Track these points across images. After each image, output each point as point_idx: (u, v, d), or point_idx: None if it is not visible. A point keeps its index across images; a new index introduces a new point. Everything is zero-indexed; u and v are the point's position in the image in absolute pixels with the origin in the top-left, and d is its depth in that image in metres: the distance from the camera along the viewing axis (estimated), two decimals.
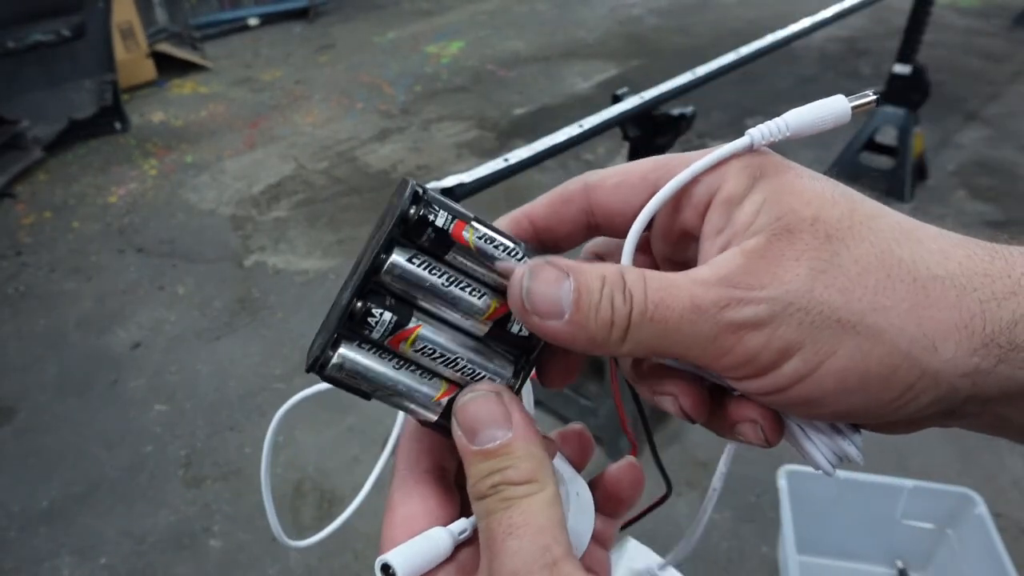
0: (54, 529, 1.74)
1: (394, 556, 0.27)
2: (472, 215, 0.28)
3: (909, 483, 1.42)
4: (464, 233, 0.27)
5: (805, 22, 1.78)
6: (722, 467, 0.37)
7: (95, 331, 2.39)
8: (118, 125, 3.81)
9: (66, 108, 3.59)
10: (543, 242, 0.31)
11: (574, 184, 0.31)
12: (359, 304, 0.27)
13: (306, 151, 3.58)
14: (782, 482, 1.41)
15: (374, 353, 0.27)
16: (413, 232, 0.27)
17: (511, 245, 0.28)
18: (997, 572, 1.26)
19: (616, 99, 1.39)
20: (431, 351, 0.28)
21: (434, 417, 0.29)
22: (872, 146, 3.02)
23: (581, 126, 1.23)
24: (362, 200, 3.14)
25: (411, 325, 0.27)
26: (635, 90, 1.40)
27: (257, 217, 3.03)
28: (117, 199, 3.20)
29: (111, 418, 2.05)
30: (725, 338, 0.25)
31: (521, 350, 0.30)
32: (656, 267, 0.32)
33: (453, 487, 0.31)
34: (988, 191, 3.05)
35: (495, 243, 0.28)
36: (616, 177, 0.30)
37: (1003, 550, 1.27)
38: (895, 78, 2.86)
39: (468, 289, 0.28)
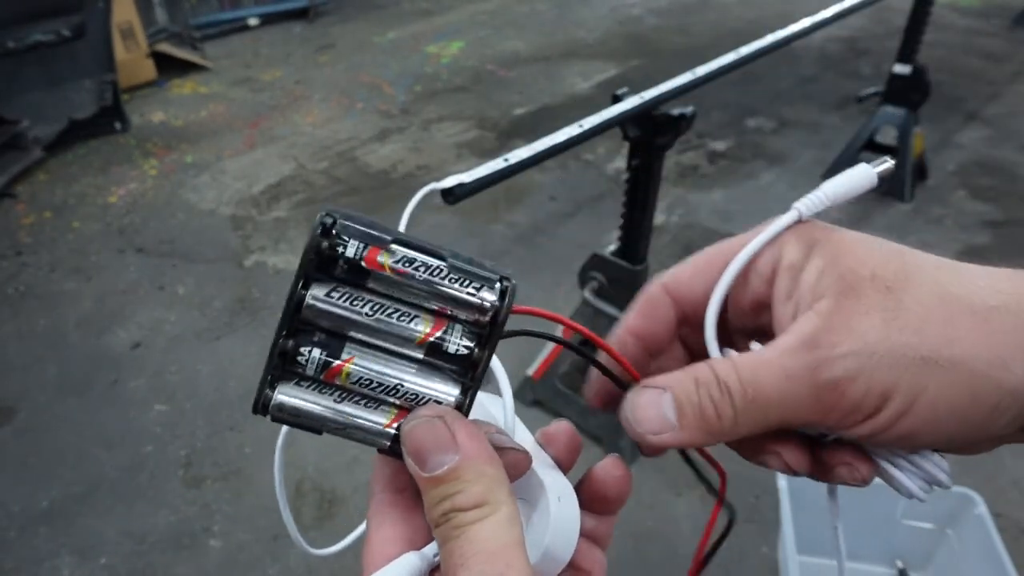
0: (54, 529, 1.74)
1: None
2: (391, 237, 0.27)
3: None
4: (379, 258, 0.26)
5: (805, 22, 1.78)
6: (834, 510, 0.40)
7: (95, 331, 2.39)
8: (118, 125, 3.81)
9: (66, 108, 3.59)
10: (649, 349, 0.34)
11: (653, 288, 0.34)
12: (288, 343, 0.27)
13: (306, 151, 3.58)
14: (782, 482, 1.41)
15: (314, 389, 0.27)
16: (327, 265, 0.26)
17: (434, 264, 0.27)
18: (997, 572, 1.26)
19: (616, 99, 1.38)
20: (367, 382, 0.27)
21: (387, 443, 0.28)
22: (872, 146, 3.02)
23: (581, 126, 1.23)
24: (362, 200, 3.14)
25: (343, 358, 0.27)
26: (635, 90, 1.40)
27: (257, 217, 3.03)
28: (117, 199, 3.20)
29: (111, 418, 2.05)
30: (826, 396, 0.28)
31: (466, 367, 0.28)
32: (733, 340, 0.34)
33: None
34: (988, 191, 3.05)
35: (415, 263, 0.27)
36: (687, 270, 0.33)
37: (1003, 550, 1.27)
38: (895, 78, 2.86)
39: (396, 315, 0.27)
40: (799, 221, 0.32)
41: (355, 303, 0.27)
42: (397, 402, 0.28)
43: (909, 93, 2.85)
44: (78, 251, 2.83)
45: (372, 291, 0.27)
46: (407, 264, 0.27)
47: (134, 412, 2.07)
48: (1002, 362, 0.27)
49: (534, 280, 2.53)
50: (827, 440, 0.31)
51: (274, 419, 0.27)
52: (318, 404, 0.27)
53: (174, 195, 3.22)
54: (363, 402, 0.28)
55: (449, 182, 0.99)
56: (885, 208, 2.94)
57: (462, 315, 0.28)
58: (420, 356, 0.28)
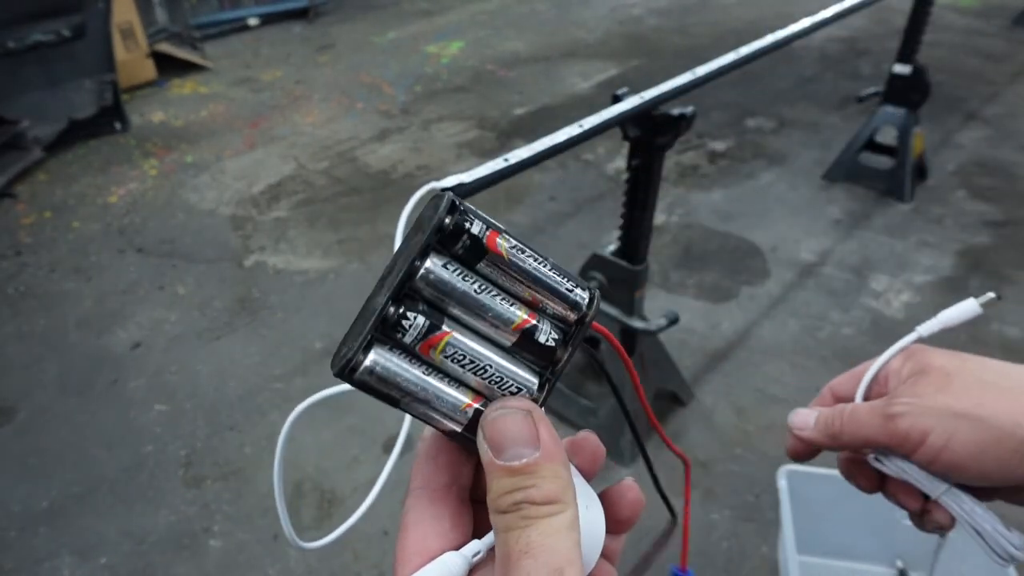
0: (54, 529, 1.75)
1: None
2: (503, 227, 0.29)
3: None
4: (498, 241, 0.28)
5: (805, 22, 1.78)
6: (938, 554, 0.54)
7: (95, 331, 2.39)
8: (118, 125, 3.81)
9: (66, 108, 3.59)
10: (832, 401, 0.53)
11: (826, 388, 0.54)
12: (393, 308, 0.27)
13: (306, 151, 3.58)
14: (782, 482, 1.41)
15: (404, 358, 0.28)
16: (449, 240, 0.27)
17: (540, 256, 0.29)
18: (997, 572, 1.26)
19: (616, 99, 1.38)
20: (460, 357, 0.28)
21: (459, 428, 0.28)
22: (872, 146, 3.02)
23: (581, 126, 1.23)
24: (362, 200, 3.14)
25: (443, 330, 0.28)
26: (635, 90, 1.40)
27: (257, 217, 3.03)
28: (117, 199, 3.20)
29: (111, 418, 2.05)
30: (889, 425, 0.44)
31: (547, 361, 0.29)
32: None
33: (468, 505, 0.32)
34: (988, 191, 3.05)
35: (526, 252, 0.29)
36: (845, 378, 0.52)
37: None
38: (895, 78, 2.86)
39: (498, 298, 0.28)
40: (920, 339, 0.48)
41: (466, 279, 0.28)
42: (479, 384, 0.28)
43: (909, 93, 2.85)
44: (78, 251, 2.83)
45: (480, 273, 0.28)
46: (520, 251, 0.28)
47: (134, 412, 2.07)
48: (1015, 420, 0.40)
49: None
50: (930, 499, 0.46)
51: (356, 382, 0.27)
52: (409, 372, 0.27)
53: (174, 195, 3.22)
54: (446, 380, 0.28)
55: (449, 182, 0.99)
56: (885, 208, 2.94)
57: (552, 309, 0.29)
58: (510, 343, 0.29)
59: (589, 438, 0.34)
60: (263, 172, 3.38)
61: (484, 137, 3.65)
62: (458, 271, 0.28)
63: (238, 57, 4.93)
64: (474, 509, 0.32)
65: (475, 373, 0.28)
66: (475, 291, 0.28)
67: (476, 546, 0.29)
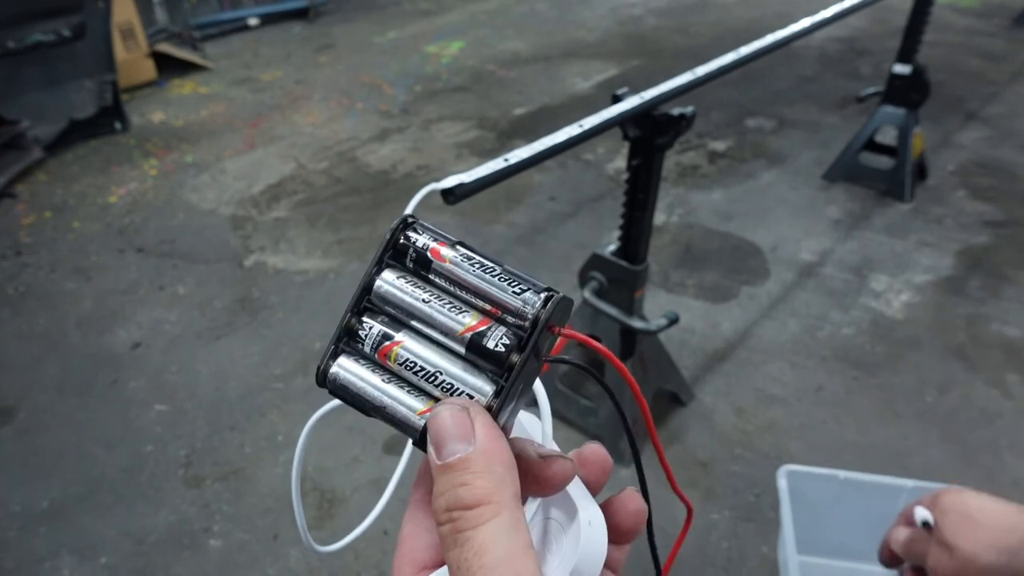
0: (54, 529, 1.75)
1: None
2: (458, 240, 0.30)
3: (909, 483, 1.42)
4: (443, 251, 0.30)
5: (805, 22, 1.78)
6: None
7: (95, 331, 2.39)
8: (118, 125, 3.81)
9: (66, 108, 3.59)
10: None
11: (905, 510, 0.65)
12: (354, 319, 0.29)
13: (306, 151, 3.58)
14: (782, 482, 1.41)
15: (367, 367, 0.29)
16: (400, 254, 0.30)
17: (490, 264, 0.30)
18: None
19: (616, 99, 1.38)
20: (412, 364, 0.29)
21: (417, 433, 0.29)
22: (872, 146, 3.02)
23: (581, 126, 1.23)
24: (362, 200, 3.14)
25: (396, 338, 0.29)
26: (635, 90, 1.40)
27: (257, 217, 3.03)
28: (117, 199, 3.20)
29: (111, 418, 2.05)
30: (935, 552, 0.58)
31: (503, 368, 0.29)
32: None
33: None
34: (988, 191, 3.05)
35: (472, 261, 0.30)
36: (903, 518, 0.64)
37: None
38: (895, 78, 2.86)
39: (448, 306, 0.30)
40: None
41: (416, 289, 0.30)
42: (435, 392, 0.29)
43: (909, 93, 2.85)
44: (78, 251, 2.83)
45: (434, 284, 0.30)
46: (465, 260, 0.30)
47: (134, 412, 2.07)
48: (1009, 547, 0.55)
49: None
50: None
51: (330, 389, 0.30)
52: (367, 381, 0.29)
53: (174, 195, 3.22)
54: (406, 388, 0.29)
55: (449, 182, 0.99)
56: (885, 208, 2.94)
57: (509, 318, 0.29)
58: (463, 351, 0.29)
59: (597, 451, 0.33)
60: (263, 172, 3.38)
61: (484, 137, 3.65)
62: (412, 283, 0.30)
63: (238, 57, 4.93)
64: None
65: (428, 380, 0.29)
66: (422, 301, 0.29)
67: None
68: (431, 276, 0.30)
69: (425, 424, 0.28)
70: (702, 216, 2.94)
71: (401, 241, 0.30)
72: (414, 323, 0.30)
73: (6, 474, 1.90)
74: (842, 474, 1.44)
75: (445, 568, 0.28)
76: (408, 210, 0.45)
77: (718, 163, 3.34)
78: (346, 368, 0.29)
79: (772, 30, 1.69)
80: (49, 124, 3.53)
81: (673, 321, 1.72)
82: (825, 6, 1.93)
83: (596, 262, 1.74)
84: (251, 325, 2.40)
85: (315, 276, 2.63)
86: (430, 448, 0.27)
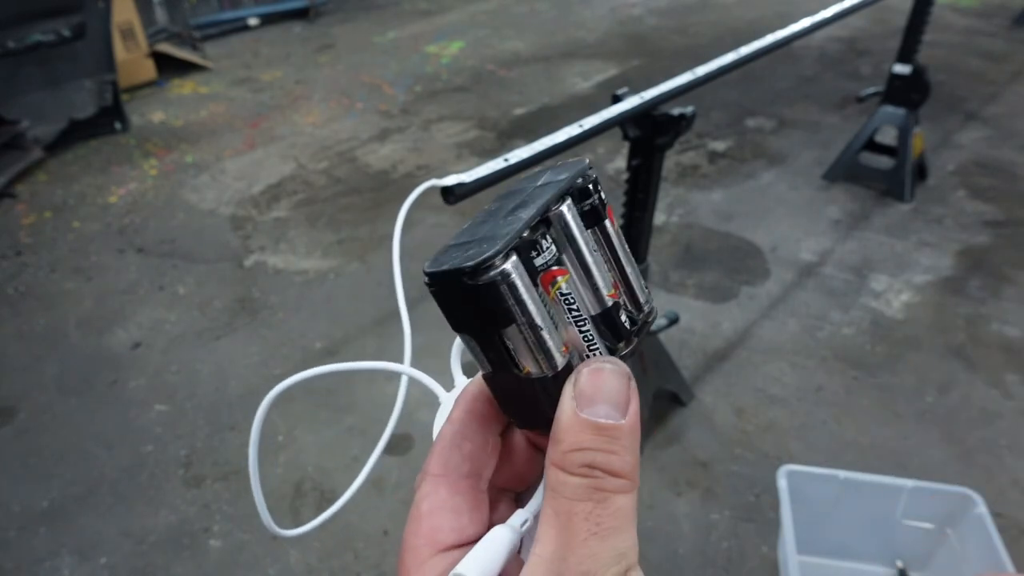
0: (54, 529, 1.74)
1: (469, 565, 0.26)
2: None
3: (909, 483, 1.42)
4: (612, 217, 0.30)
5: (805, 22, 1.78)
6: None
7: (95, 331, 2.39)
8: (118, 125, 3.81)
9: (66, 108, 3.59)
10: None
11: None
12: (529, 232, 0.27)
13: (306, 151, 3.58)
14: (782, 482, 1.41)
15: (530, 281, 0.27)
16: (580, 195, 0.29)
17: (632, 264, 0.31)
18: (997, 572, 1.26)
19: (616, 99, 1.38)
20: (571, 301, 0.27)
21: (549, 372, 0.27)
22: (872, 146, 3.02)
23: (581, 126, 1.23)
24: (362, 200, 3.14)
25: (566, 268, 0.28)
26: (635, 90, 1.40)
27: (257, 217, 3.03)
28: (117, 199, 3.20)
29: (111, 418, 2.05)
30: None
31: (617, 340, 0.29)
32: None
33: (486, 501, 0.30)
34: (988, 191, 3.05)
35: (624, 240, 0.30)
36: None
37: (1003, 550, 1.27)
38: (895, 78, 2.86)
39: (604, 261, 0.29)
40: None
41: (582, 233, 0.29)
42: (572, 337, 0.28)
43: (909, 93, 2.85)
44: (78, 251, 2.83)
45: (593, 237, 0.30)
46: (620, 237, 0.30)
47: (134, 412, 2.07)
48: None
49: None
50: None
51: (474, 289, 0.25)
52: (532, 293, 0.26)
53: (174, 195, 3.22)
54: (552, 323, 0.27)
55: (449, 182, 0.99)
56: (885, 208, 2.94)
57: (627, 301, 0.30)
58: (596, 311, 0.29)
59: None
60: (263, 172, 3.38)
61: (484, 137, 3.65)
62: (583, 223, 0.29)
63: (238, 57, 4.93)
64: (490, 504, 0.30)
65: (576, 323, 0.27)
66: (591, 248, 0.29)
67: (522, 515, 0.28)
68: (595, 230, 0.29)
69: (561, 366, 0.27)
70: (702, 216, 2.94)
71: (589, 184, 0.29)
72: (575, 262, 0.28)
73: (6, 474, 1.90)
74: (842, 474, 1.44)
75: (478, 548, 0.27)
76: (406, 206, 0.45)
77: (718, 163, 3.34)
78: (517, 273, 0.25)
79: (772, 30, 1.69)
80: (49, 124, 3.53)
81: (673, 321, 1.72)
82: (825, 6, 1.93)
83: None
84: (251, 325, 2.40)
85: (315, 276, 2.63)
86: (569, 395, 0.26)
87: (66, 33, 3.47)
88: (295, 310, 2.46)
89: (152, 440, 1.97)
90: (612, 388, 0.26)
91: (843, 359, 2.18)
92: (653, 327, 1.69)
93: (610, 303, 0.28)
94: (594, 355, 0.28)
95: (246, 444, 2.05)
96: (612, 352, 0.28)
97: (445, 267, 0.25)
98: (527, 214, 0.27)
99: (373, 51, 4.99)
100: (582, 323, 0.27)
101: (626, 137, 1.53)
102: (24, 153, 3.39)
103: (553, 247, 0.27)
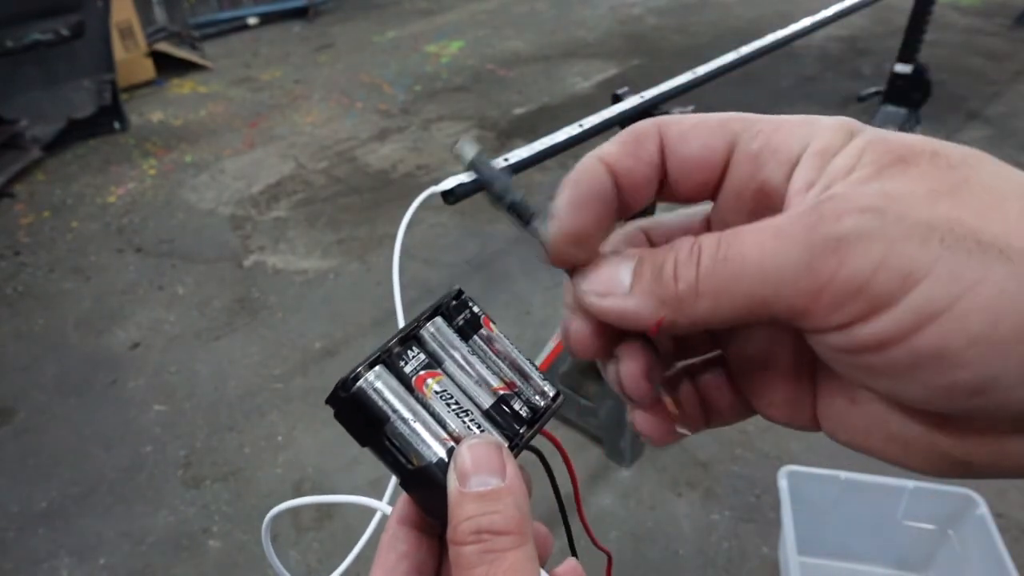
0: (53, 530, 1.74)
1: None
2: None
3: (910, 483, 1.42)
4: (492, 325, 0.34)
5: (805, 22, 1.77)
6: None
7: (94, 331, 2.39)
8: (117, 125, 3.81)
9: (65, 108, 3.59)
10: (621, 187, 0.27)
11: (646, 124, 0.27)
12: (399, 347, 0.31)
13: (306, 151, 3.57)
14: (782, 482, 1.41)
15: (402, 387, 0.31)
16: (454, 312, 0.34)
17: (525, 360, 0.34)
18: (998, 573, 1.25)
19: (616, 99, 1.38)
20: (449, 396, 0.31)
21: (434, 458, 0.29)
22: None
23: (581, 126, 1.23)
24: (362, 200, 3.13)
25: (439, 370, 0.32)
26: (635, 90, 1.39)
27: (257, 217, 3.02)
28: (116, 199, 3.20)
29: (110, 418, 2.05)
30: (823, 261, 0.20)
31: (514, 433, 0.32)
32: None
33: (440, 550, 0.32)
34: None
35: (509, 340, 0.34)
36: (691, 120, 0.26)
37: (1004, 551, 1.27)
38: (896, 77, 2.86)
39: (482, 365, 0.33)
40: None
41: (458, 342, 0.33)
42: (457, 427, 0.30)
43: (910, 92, 2.85)
44: (77, 251, 2.83)
45: (471, 345, 0.34)
46: (504, 337, 0.34)
47: (133, 412, 2.06)
48: None
49: (534, 280, 2.53)
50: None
51: (353, 395, 0.30)
52: (400, 397, 0.30)
53: (173, 195, 3.22)
54: (432, 417, 0.31)
55: (449, 182, 0.99)
56: None
57: (524, 393, 0.33)
58: (487, 405, 0.32)
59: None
60: (262, 172, 3.38)
61: (484, 137, 3.65)
62: (456, 336, 0.33)
63: (237, 57, 4.93)
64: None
65: (458, 415, 0.30)
66: (464, 353, 0.33)
67: None
68: (475, 338, 0.33)
69: (440, 459, 0.29)
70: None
71: (459, 302, 0.34)
72: (450, 367, 0.32)
73: (5, 474, 1.89)
74: (843, 475, 1.44)
75: None
76: (408, 214, 0.47)
77: None
78: (382, 379, 0.30)
79: (773, 29, 1.69)
80: (48, 124, 3.53)
81: None
82: (826, 5, 1.93)
83: None
84: (250, 325, 2.39)
85: (315, 276, 2.63)
86: (455, 476, 0.28)
87: (65, 32, 3.46)
88: (294, 310, 2.46)
89: (151, 440, 1.97)
90: (484, 457, 0.27)
91: None
92: None
93: (501, 395, 0.32)
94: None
95: (245, 444, 2.06)
96: (513, 437, 0.31)
97: (338, 384, 0.30)
98: (393, 335, 0.32)
99: (373, 50, 4.98)
100: (463, 415, 0.31)
101: None
102: (23, 153, 3.38)
103: (421, 355, 0.32)
